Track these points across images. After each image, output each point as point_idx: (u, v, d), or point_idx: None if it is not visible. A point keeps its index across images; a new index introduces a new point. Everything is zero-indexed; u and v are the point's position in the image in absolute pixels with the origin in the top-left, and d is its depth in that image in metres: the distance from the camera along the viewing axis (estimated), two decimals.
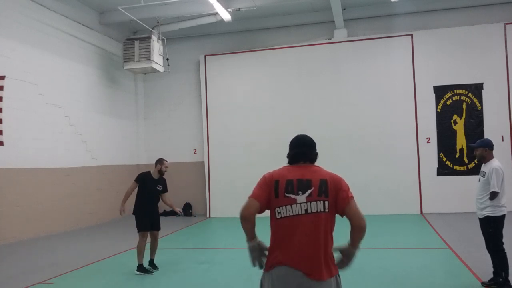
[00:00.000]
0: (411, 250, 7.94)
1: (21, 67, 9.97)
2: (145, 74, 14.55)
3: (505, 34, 12.27)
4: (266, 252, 2.74)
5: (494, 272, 5.39)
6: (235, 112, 13.97)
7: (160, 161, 6.96)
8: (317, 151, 2.91)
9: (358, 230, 2.63)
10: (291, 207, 2.63)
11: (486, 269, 6.23)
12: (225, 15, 12.05)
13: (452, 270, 6.37)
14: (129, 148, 14.65)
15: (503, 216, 5.25)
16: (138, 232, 6.77)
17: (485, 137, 12.20)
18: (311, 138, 2.93)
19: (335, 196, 2.64)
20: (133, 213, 6.88)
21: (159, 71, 13.00)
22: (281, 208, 2.65)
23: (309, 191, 2.63)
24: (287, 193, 2.65)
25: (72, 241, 9.84)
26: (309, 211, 2.61)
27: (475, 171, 12.23)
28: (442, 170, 12.51)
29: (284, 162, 2.91)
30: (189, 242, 7.46)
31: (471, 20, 12.65)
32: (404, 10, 12.82)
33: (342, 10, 12.40)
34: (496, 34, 12.34)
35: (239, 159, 13.72)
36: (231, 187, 13.56)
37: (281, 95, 13.64)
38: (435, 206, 12.34)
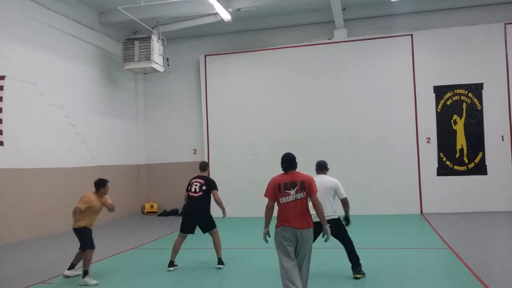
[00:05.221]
0: (411, 250, 7.93)
1: (21, 67, 9.97)
2: (145, 74, 14.56)
3: (505, 34, 12.27)
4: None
5: None
6: (235, 112, 13.97)
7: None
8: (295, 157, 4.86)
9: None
10: (287, 197, 4.68)
11: (487, 269, 6.24)
12: (225, 15, 12.05)
13: (452, 270, 6.37)
14: (129, 148, 14.65)
15: None
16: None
17: (485, 137, 12.26)
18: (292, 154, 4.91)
19: (308, 189, 4.69)
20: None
21: (159, 71, 13.00)
22: (282, 198, 4.69)
23: (295, 188, 4.68)
24: (285, 190, 4.69)
25: (72, 241, 9.78)
26: (297, 198, 4.69)
27: (475, 171, 12.31)
28: (442, 170, 12.50)
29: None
30: (190, 242, 7.46)
31: (471, 20, 12.66)
32: (404, 10, 12.84)
33: (342, 10, 12.42)
34: (496, 34, 12.34)
35: (239, 159, 13.72)
36: (231, 187, 13.51)
37: (281, 95, 13.64)
38: (435, 206, 12.33)
